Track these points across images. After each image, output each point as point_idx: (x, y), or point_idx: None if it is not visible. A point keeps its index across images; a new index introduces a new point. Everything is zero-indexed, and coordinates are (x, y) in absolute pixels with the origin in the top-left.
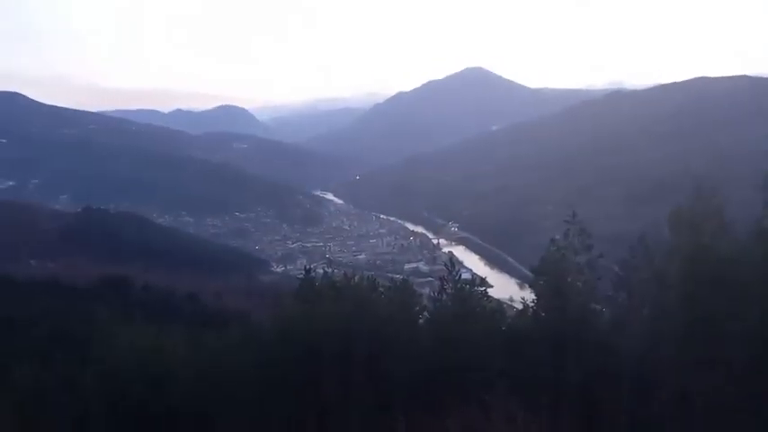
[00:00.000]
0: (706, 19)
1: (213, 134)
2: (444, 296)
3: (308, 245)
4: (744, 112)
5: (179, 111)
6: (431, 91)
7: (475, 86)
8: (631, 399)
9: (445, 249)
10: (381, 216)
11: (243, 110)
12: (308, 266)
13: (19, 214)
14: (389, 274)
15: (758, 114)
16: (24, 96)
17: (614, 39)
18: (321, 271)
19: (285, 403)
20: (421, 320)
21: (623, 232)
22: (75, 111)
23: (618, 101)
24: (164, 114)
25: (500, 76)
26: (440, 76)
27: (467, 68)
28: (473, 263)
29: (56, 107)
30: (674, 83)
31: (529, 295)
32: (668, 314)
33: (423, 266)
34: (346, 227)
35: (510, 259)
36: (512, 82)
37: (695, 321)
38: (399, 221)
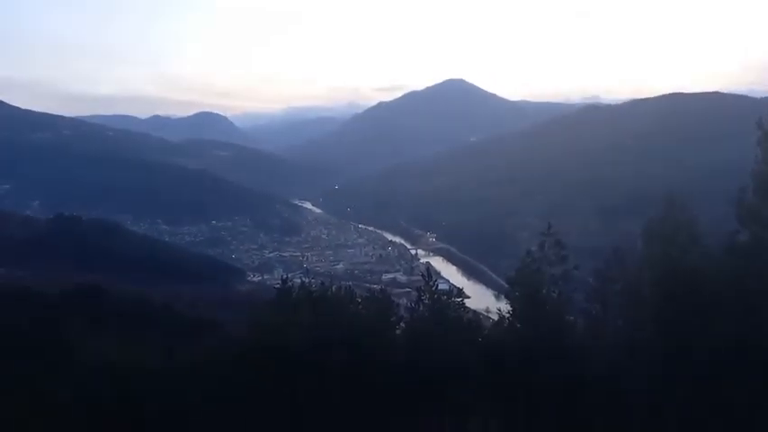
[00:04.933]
0: (683, 35)
1: (192, 141)
2: (421, 307)
3: (286, 254)
4: (716, 127)
5: (157, 117)
6: (411, 101)
7: (455, 98)
8: (605, 410)
9: (423, 260)
10: (360, 226)
11: (222, 117)
12: (285, 276)
13: None
14: (367, 285)
15: (729, 130)
16: None
17: (593, 53)
18: (298, 281)
19: (260, 414)
20: (398, 331)
21: (598, 244)
22: (50, 115)
23: (593, 115)
24: (141, 120)
25: (480, 89)
26: (420, 87)
27: (447, 80)
28: (450, 273)
29: (29, 111)
30: (648, 98)
31: (505, 306)
32: (641, 325)
33: (400, 277)
34: (324, 236)
35: (487, 270)
36: (492, 94)
37: (667, 333)
38: (378, 231)
